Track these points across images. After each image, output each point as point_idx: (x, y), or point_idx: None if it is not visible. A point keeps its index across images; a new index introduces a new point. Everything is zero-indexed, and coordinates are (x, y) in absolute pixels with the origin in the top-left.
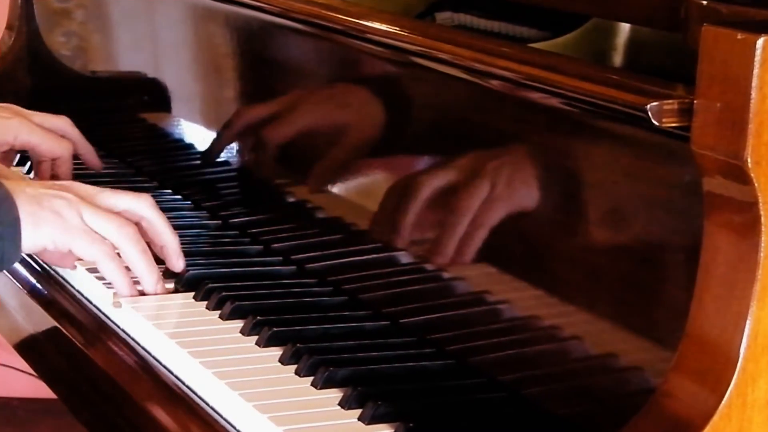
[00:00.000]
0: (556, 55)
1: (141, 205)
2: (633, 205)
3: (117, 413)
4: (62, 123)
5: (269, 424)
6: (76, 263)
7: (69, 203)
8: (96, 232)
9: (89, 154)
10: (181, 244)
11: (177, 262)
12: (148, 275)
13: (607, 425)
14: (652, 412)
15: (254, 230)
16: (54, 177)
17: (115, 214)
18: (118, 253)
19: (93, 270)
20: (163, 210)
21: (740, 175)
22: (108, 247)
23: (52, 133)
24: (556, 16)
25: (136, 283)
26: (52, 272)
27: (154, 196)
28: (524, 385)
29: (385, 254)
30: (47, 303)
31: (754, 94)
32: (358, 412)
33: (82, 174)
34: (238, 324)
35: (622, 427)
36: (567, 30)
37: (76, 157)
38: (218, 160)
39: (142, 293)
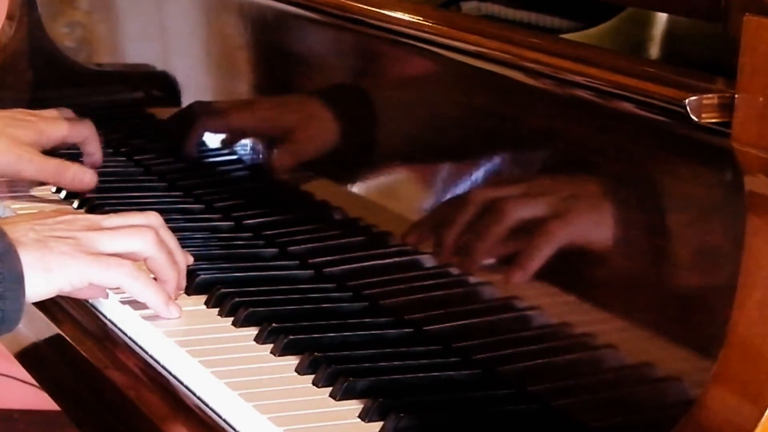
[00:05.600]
0: (589, 47)
1: (139, 245)
2: (669, 206)
3: (123, 426)
4: (65, 111)
5: None
6: None
7: (77, 242)
8: (112, 255)
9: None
10: (192, 247)
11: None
12: (170, 282)
13: None
14: (690, 424)
15: (269, 232)
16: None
17: (127, 228)
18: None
19: None
20: (173, 211)
21: None
22: (127, 266)
23: (70, 120)
24: (589, 5)
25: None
26: None
27: (163, 197)
28: (555, 397)
29: (408, 258)
30: (50, 309)
31: None
32: (379, 424)
33: None
34: (252, 331)
35: None
36: (601, 20)
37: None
38: (231, 158)
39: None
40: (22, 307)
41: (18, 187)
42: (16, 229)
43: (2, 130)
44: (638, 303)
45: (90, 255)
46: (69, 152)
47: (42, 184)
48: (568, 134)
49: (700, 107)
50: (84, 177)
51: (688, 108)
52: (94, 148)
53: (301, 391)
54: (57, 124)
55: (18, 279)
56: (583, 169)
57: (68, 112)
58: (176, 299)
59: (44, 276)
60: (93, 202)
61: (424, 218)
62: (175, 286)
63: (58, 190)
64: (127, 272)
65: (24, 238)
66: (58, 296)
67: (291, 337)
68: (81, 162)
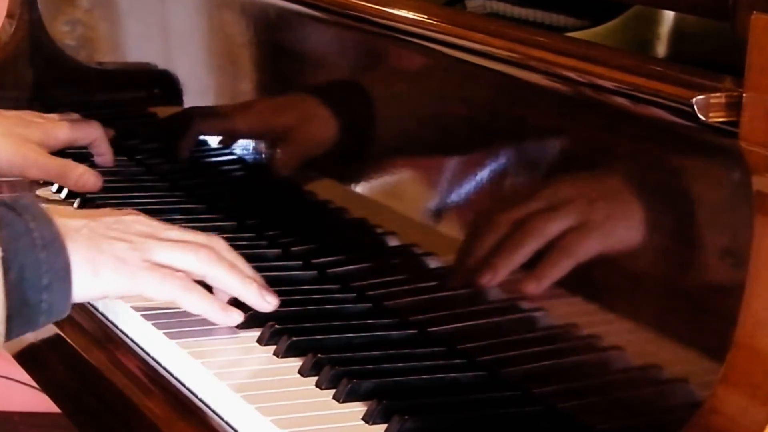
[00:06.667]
0: (595, 45)
1: (195, 262)
2: (676, 206)
3: (124, 428)
4: (72, 115)
5: None
6: None
7: (131, 245)
8: (166, 267)
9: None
10: None
11: (261, 306)
12: (247, 291)
13: None
14: (698, 427)
15: (272, 233)
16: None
17: (185, 242)
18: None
19: None
20: (174, 211)
21: None
22: (182, 279)
23: (77, 122)
24: (595, 3)
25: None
26: None
27: (164, 197)
28: (561, 399)
29: (413, 259)
30: None
31: None
32: (383, 427)
33: None
34: (255, 333)
35: None
36: (607, 18)
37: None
38: (233, 157)
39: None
40: (69, 299)
41: (20, 186)
42: (68, 222)
43: (10, 130)
44: (645, 304)
45: (144, 264)
46: (78, 152)
47: (47, 183)
48: (573, 134)
49: (707, 106)
50: (89, 179)
51: (695, 107)
52: (103, 149)
53: (304, 393)
54: (64, 126)
55: (65, 270)
56: (589, 170)
57: (74, 116)
58: (270, 308)
59: (92, 278)
60: (94, 202)
61: (428, 220)
62: (255, 296)
63: (59, 190)
64: (181, 285)
65: (76, 234)
66: None
67: (294, 338)
68: (92, 162)
